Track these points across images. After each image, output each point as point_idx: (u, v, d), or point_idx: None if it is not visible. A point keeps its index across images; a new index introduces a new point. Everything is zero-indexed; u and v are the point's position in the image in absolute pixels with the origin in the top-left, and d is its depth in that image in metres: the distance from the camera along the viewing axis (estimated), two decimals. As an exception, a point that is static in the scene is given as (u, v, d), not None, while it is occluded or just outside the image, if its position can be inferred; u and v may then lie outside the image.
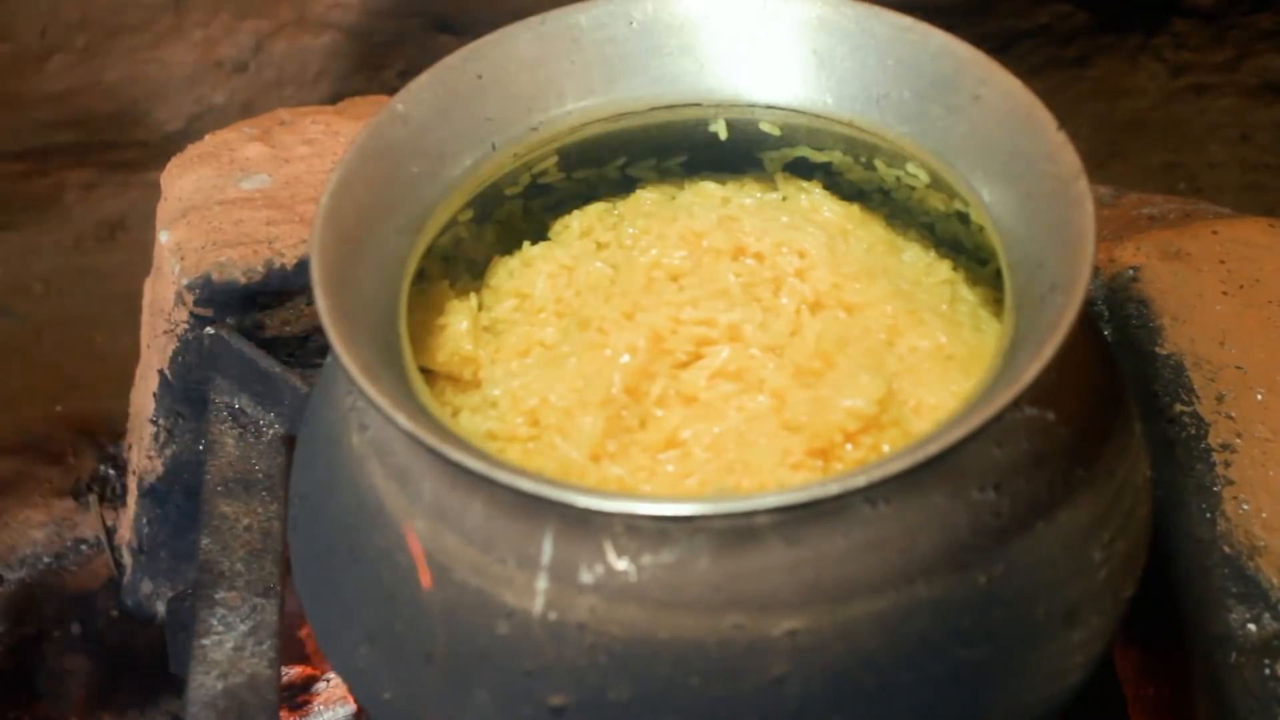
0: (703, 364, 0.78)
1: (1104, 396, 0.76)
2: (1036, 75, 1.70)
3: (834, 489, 0.63)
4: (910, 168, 0.83)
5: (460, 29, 1.53)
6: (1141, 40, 1.73)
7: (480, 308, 0.85)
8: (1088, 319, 0.79)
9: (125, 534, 1.19)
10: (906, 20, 0.81)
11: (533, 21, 0.84)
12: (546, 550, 0.67)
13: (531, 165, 0.87)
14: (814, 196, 0.87)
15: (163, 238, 1.08)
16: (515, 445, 0.77)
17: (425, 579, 0.70)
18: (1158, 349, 0.93)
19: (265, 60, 1.51)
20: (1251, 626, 0.82)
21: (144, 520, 1.13)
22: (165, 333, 1.08)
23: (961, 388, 0.76)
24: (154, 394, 1.10)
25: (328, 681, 1.05)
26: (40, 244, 1.55)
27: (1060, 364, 0.66)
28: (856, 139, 0.84)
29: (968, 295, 0.85)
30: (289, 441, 1.03)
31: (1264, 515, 0.85)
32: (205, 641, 0.91)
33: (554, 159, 0.87)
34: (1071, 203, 0.72)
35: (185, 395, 1.08)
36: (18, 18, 1.40)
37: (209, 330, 1.05)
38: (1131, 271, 0.98)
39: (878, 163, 0.86)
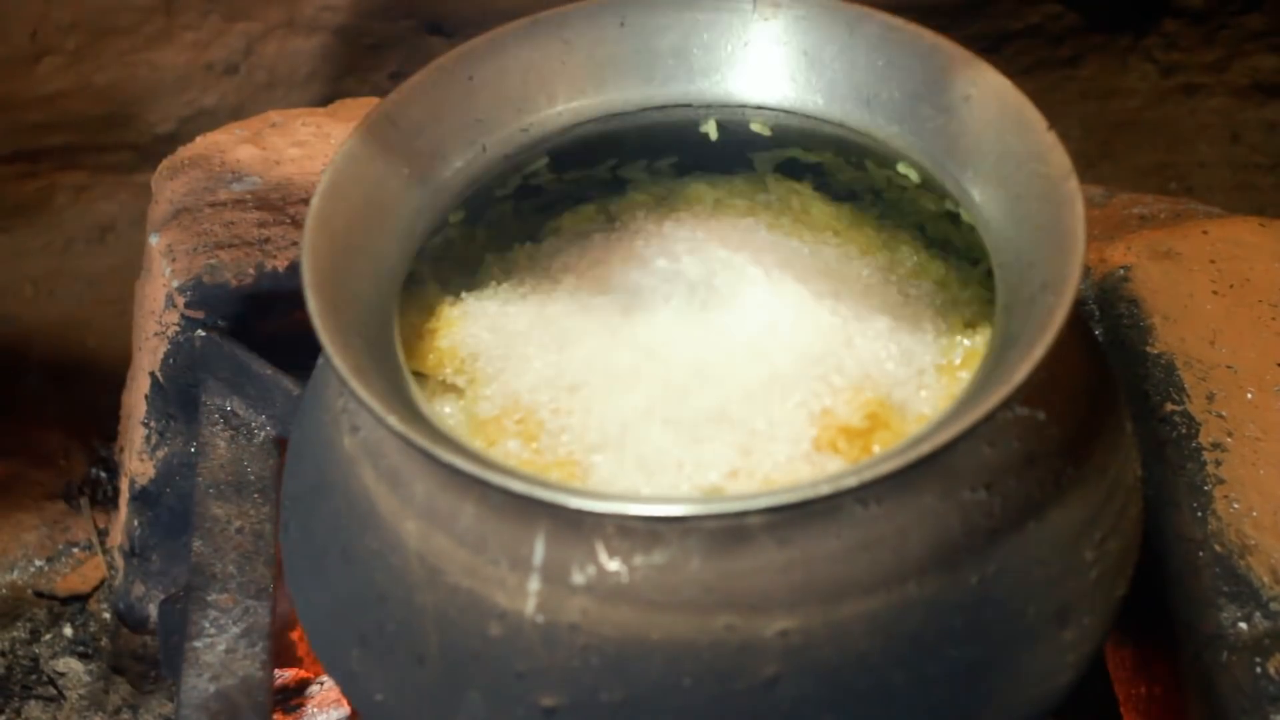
0: (694, 365, 0.78)
1: (1095, 396, 0.76)
2: (1027, 75, 1.71)
3: (825, 489, 0.63)
4: (901, 168, 0.84)
5: (451, 31, 1.53)
6: (1132, 41, 1.73)
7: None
8: (1078, 319, 0.79)
9: (117, 536, 1.18)
10: (897, 21, 0.81)
11: (524, 23, 0.84)
12: (538, 551, 0.67)
13: (523, 167, 0.86)
14: (805, 197, 0.88)
15: (153, 240, 1.08)
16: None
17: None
18: (1149, 348, 0.94)
19: (256, 62, 1.51)
20: (1243, 625, 0.82)
21: (135, 523, 1.13)
22: (156, 335, 1.08)
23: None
24: (145, 396, 1.10)
25: (320, 684, 1.05)
26: (30, 246, 1.54)
27: (1051, 364, 0.66)
28: (847, 140, 0.84)
29: (959, 295, 0.85)
30: (281, 444, 1.03)
31: (1255, 514, 0.85)
32: (197, 644, 0.91)
33: (545, 160, 0.87)
34: (1062, 203, 0.72)
35: (177, 398, 1.08)
36: (8, 20, 1.40)
37: (200, 333, 1.05)
38: (1122, 271, 0.98)
39: (868, 163, 0.86)
